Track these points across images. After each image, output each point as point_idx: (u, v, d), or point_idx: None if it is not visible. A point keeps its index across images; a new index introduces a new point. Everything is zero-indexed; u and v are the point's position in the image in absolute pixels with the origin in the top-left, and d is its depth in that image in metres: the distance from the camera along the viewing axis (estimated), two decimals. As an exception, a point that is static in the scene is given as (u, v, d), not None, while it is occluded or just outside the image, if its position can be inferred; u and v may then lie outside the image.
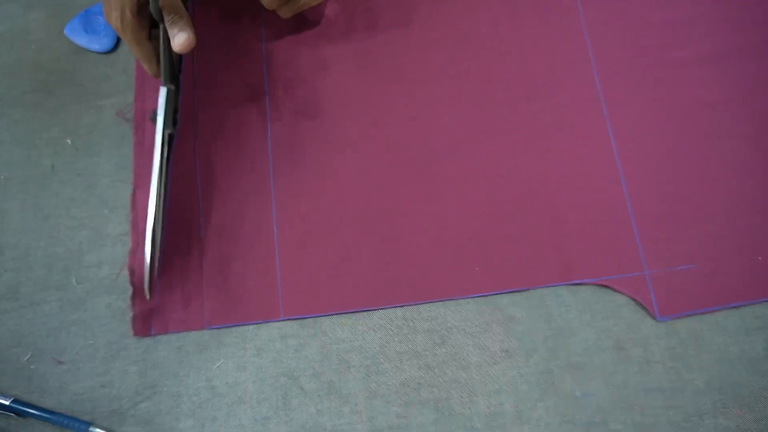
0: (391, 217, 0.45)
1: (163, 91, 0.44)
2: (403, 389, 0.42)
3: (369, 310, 0.43)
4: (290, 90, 0.49)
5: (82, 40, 0.52)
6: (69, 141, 0.50)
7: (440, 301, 0.43)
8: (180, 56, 0.48)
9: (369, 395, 0.42)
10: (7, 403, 0.42)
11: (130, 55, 0.52)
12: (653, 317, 0.41)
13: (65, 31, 0.53)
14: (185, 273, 0.45)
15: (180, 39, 0.42)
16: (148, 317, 0.45)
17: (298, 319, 0.44)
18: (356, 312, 0.44)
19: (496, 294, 0.43)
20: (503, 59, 0.48)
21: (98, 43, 0.52)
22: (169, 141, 0.45)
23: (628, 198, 0.44)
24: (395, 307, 0.43)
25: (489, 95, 0.47)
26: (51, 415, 0.42)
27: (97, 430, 0.41)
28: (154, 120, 0.44)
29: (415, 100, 0.48)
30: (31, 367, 0.44)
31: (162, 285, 0.45)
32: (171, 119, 0.45)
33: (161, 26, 0.43)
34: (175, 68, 0.46)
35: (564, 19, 0.49)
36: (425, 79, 0.48)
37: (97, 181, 0.48)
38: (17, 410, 0.42)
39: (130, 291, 0.45)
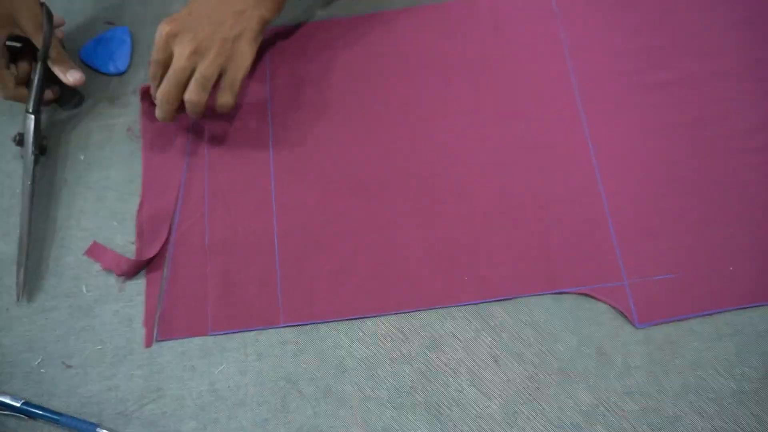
0: (386, 230, 0.48)
1: (30, 119, 0.50)
2: (397, 393, 0.43)
3: (364, 318, 0.46)
4: (291, 108, 0.52)
5: (95, 62, 0.55)
6: (82, 157, 0.52)
7: (432, 309, 0.45)
8: (44, 91, 0.51)
9: (364, 399, 0.43)
10: (18, 405, 0.44)
11: (140, 77, 0.55)
12: (632, 324, 0.44)
13: (80, 55, 0.56)
14: (190, 282, 0.47)
15: (76, 75, 0.50)
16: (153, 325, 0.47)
17: (297, 325, 0.46)
18: (352, 319, 0.46)
19: (485, 302, 0.45)
20: (491, 82, 0.51)
21: (111, 66, 0.55)
22: (35, 162, 0.50)
23: (608, 213, 0.47)
24: (389, 314, 0.46)
25: (478, 115, 0.51)
26: (60, 417, 0.44)
27: (104, 431, 0.43)
28: (19, 143, 0.50)
29: (410, 119, 0.51)
30: (42, 370, 0.46)
31: (168, 293, 0.47)
32: (38, 144, 0.50)
33: (39, 63, 0.50)
34: (40, 101, 0.51)
35: (548, 46, 0.52)
36: (419, 100, 0.51)
37: (106, 194, 0.51)
38: (27, 412, 0.44)
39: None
